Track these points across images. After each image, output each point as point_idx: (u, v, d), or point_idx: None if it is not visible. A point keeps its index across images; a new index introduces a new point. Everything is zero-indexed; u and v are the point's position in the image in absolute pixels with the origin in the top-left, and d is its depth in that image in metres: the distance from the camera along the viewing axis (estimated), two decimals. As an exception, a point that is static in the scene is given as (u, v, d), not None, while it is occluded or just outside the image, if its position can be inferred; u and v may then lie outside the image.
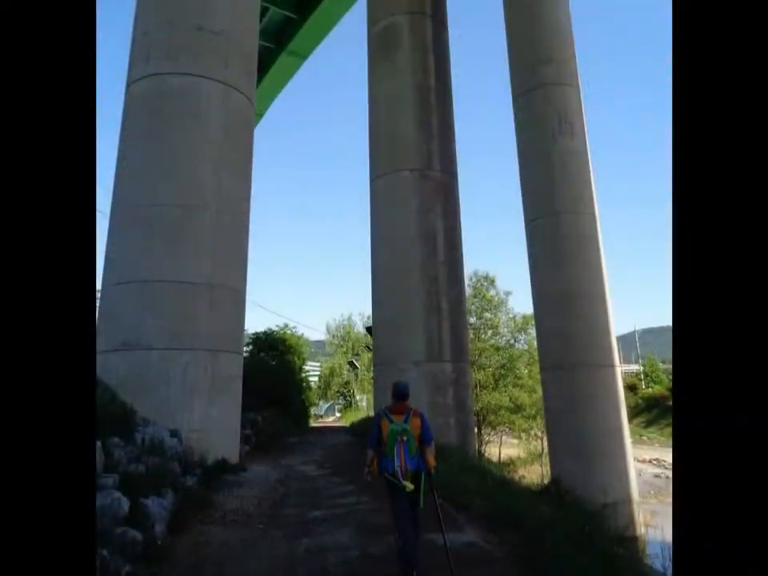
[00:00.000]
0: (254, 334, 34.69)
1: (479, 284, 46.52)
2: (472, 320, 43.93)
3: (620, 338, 32.74)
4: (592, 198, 25.00)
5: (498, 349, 45.57)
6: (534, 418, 42.53)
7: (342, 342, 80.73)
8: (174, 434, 12.13)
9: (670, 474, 41.61)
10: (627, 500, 22.38)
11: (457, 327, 19.96)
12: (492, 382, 44.39)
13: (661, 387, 78.90)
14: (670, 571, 10.58)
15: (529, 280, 25.90)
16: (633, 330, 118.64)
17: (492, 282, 46.66)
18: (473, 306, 44.67)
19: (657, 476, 45.28)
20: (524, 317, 45.72)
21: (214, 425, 13.61)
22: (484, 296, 45.84)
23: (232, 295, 14.81)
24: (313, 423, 41.07)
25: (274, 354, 33.53)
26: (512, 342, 46.62)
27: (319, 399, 73.14)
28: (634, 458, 27.62)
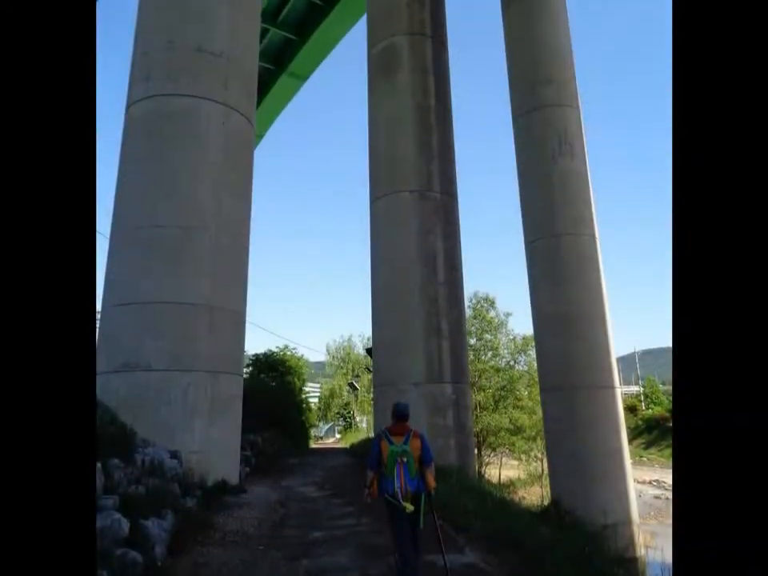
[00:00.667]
0: (254, 355, 34.68)
1: (479, 305, 46.52)
2: (472, 341, 43.89)
3: (620, 359, 32.72)
4: (592, 219, 25.04)
5: (498, 370, 45.53)
6: (534, 439, 42.46)
7: (342, 364, 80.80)
8: (174, 455, 12.11)
9: (670, 495, 41.51)
10: (627, 521, 22.32)
11: (457, 348, 19.94)
12: (492, 404, 44.31)
13: (661, 408, 78.79)
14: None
15: (529, 300, 25.93)
16: (633, 351, 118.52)
17: (492, 303, 46.67)
18: (473, 327, 44.65)
19: (657, 497, 45.20)
20: (524, 338, 45.69)
21: (214, 446, 13.59)
22: (484, 317, 45.82)
23: (232, 316, 14.82)
24: (313, 444, 41.02)
25: (274, 376, 33.51)
26: (512, 363, 46.56)
27: (319, 420, 73.10)
28: (634, 480, 27.59)
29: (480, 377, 44.08)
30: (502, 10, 29.29)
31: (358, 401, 72.40)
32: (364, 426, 70.19)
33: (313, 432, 50.50)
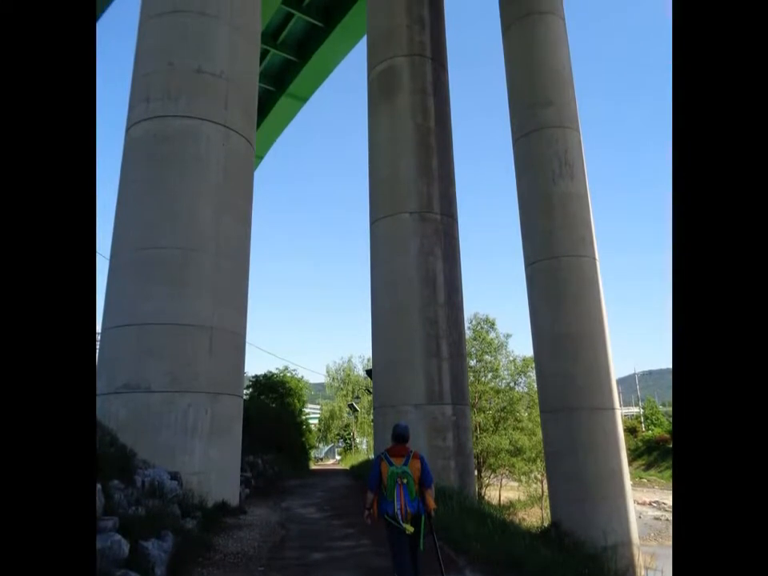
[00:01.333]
0: (254, 377, 34.72)
1: (479, 326, 46.62)
2: (472, 362, 43.96)
3: (620, 381, 32.72)
4: (592, 241, 25.06)
5: (498, 391, 45.59)
6: (534, 460, 42.47)
7: (342, 385, 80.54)
8: (174, 476, 12.10)
9: (670, 516, 41.43)
10: (627, 543, 22.25)
11: (457, 370, 19.92)
12: (492, 425, 44.34)
13: (661, 430, 78.84)
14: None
15: (529, 322, 25.93)
16: (633, 372, 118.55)
17: (492, 324, 46.77)
18: (473, 349, 44.73)
19: (657, 518, 45.16)
20: (524, 359, 45.78)
21: (214, 467, 13.58)
22: (484, 338, 45.90)
23: (232, 338, 14.82)
24: (313, 466, 40.91)
25: (274, 397, 33.54)
26: (512, 384, 46.63)
27: (319, 442, 72.91)
28: (634, 501, 27.54)
29: (480, 398, 44.13)
30: (502, 32, 29.37)
31: (358, 422, 72.20)
32: (364, 447, 70.03)
33: (313, 453, 50.40)
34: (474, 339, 45.48)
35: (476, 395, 43.01)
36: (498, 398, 45.44)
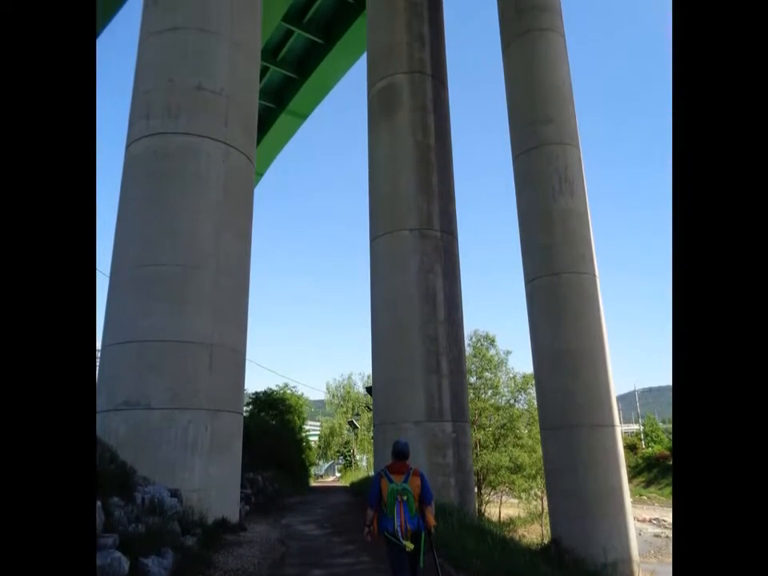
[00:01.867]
0: (254, 394, 34.69)
1: (479, 343, 46.57)
2: (472, 379, 43.91)
3: (620, 398, 32.68)
4: (592, 258, 25.06)
5: (498, 408, 45.53)
6: (534, 477, 42.37)
7: (342, 402, 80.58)
8: (174, 493, 12.09)
9: (670, 533, 41.32)
10: (627, 560, 22.18)
11: (457, 387, 19.92)
12: (492, 442, 44.27)
13: (661, 447, 78.70)
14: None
15: (529, 338, 25.92)
16: (633, 389, 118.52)
17: (492, 341, 46.73)
18: (473, 366, 44.68)
19: (657, 535, 45.00)
20: (524, 376, 45.73)
21: (214, 484, 13.57)
22: (484, 355, 45.85)
23: (232, 355, 14.83)
24: (313, 483, 40.86)
25: (274, 414, 33.51)
26: (512, 401, 46.56)
27: (319, 459, 72.91)
28: (634, 518, 27.47)
29: (480, 415, 44.07)
30: (502, 49, 29.42)
31: (358, 439, 72.21)
32: (364, 464, 69.97)
33: (313, 470, 50.34)
34: (474, 356, 45.43)
35: (476, 412, 42.96)
36: (498, 414, 45.38)
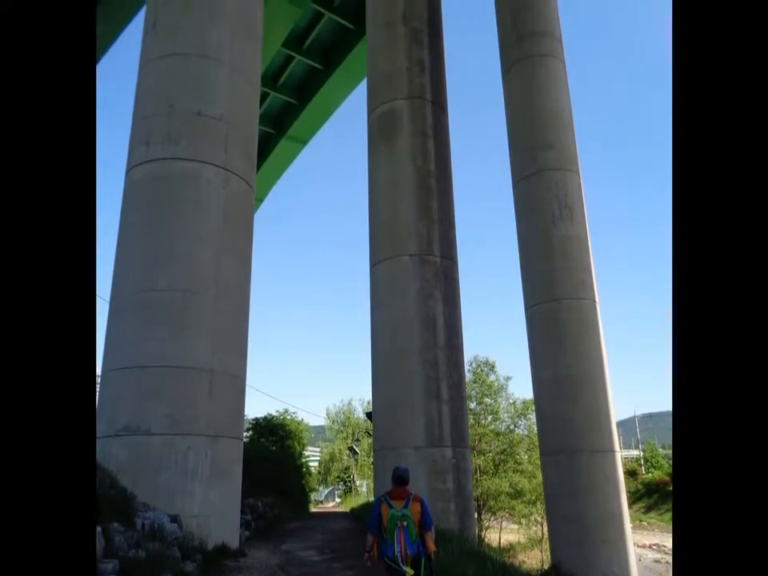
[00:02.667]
0: (254, 419, 34.67)
1: (479, 369, 46.54)
2: (472, 405, 43.85)
3: (620, 423, 32.68)
4: (592, 284, 25.08)
5: (498, 434, 45.46)
6: (534, 503, 42.26)
7: (341, 428, 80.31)
8: (174, 519, 12.08)
9: (670, 559, 41.18)
10: (628, 586, 22.15)
11: (457, 412, 19.89)
12: (492, 468, 44.19)
13: (661, 472, 78.54)
14: None
15: (529, 364, 25.91)
16: (633, 415, 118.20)
17: (492, 367, 46.70)
18: (473, 391, 44.62)
19: (657, 561, 44.84)
20: (524, 402, 45.70)
21: (214, 510, 13.53)
22: (484, 381, 45.82)
23: (232, 380, 14.81)
24: (313, 509, 40.71)
25: (274, 440, 33.47)
26: (512, 427, 46.50)
27: (319, 485, 72.63)
28: (634, 543, 27.41)
29: (480, 441, 44.00)
30: (502, 75, 29.53)
31: (358, 465, 71.92)
32: (364, 490, 69.65)
33: (313, 496, 50.18)
34: (474, 382, 45.40)
35: (476, 438, 42.89)
36: (498, 440, 45.31)
